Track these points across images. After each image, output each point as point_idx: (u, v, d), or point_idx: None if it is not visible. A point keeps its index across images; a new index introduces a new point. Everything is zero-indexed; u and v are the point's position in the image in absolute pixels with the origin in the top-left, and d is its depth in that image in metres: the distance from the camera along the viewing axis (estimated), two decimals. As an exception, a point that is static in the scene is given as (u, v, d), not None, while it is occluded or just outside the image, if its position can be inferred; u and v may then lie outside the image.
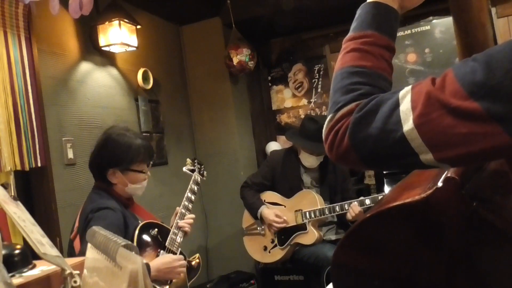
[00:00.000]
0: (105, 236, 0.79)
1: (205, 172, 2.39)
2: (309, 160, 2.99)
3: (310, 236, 2.90)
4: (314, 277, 2.91)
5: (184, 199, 2.11)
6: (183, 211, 2.07)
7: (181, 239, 2.00)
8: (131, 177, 1.91)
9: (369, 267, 0.78)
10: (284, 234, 2.97)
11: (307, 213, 2.90)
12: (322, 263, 2.78)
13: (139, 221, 1.90)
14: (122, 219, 1.82)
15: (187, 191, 2.15)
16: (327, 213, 2.85)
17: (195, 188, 2.20)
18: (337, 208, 2.81)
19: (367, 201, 2.73)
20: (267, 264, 3.17)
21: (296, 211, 2.95)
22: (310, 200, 2.92)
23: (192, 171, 2.30)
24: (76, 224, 1.88)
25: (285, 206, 3.01)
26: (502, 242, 0.74)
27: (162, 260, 1.82)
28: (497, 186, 0.80)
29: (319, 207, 2.88)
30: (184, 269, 1.89)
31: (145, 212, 2.05)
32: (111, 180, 1.90)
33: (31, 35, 2.29)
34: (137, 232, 1.82)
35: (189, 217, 2.08)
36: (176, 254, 1.94)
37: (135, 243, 1.78)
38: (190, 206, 2.11)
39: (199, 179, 2.28)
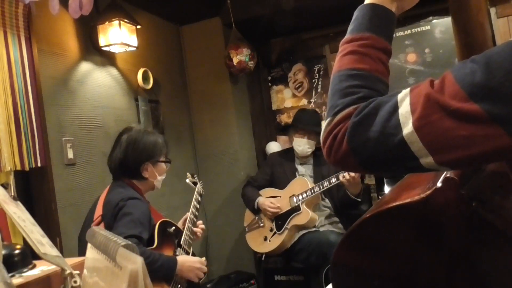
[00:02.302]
0: (105, 236, 0.79)
1: (202, 188, 2.51)
2: (300, 144, 3.17)
3: (304, 215, 3.02)
4: (314, 277, 2.91)
5: (192, 207, 2.23)
6: (192, 216, 2.18)
7: (192, 241, 2.11)
8: (160, 168, 2.08)
9: (369, 267, 0.78)
10: (281, 220, 3.09)
11: (299, 194, 3.05)
12: (322, 247, 2.85)
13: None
14: (149, 212, 1.91)
15: (193, 200, 2.28)
16: (316, 190, 2.99)
17: (199, 198, 2.34)
18: (325, 183, 2.95)
19: None
20: (267, 257, 3.21)
21: (290, 196, 3.11)
22: (302, 185, 3.09)
23: (195, 183, 2.45)
24: (100, 213, 1.91)
25: (281, 196, 3.16)
26: (502, 242, 0.74)
27: (188, 258, 1.93)
28: (496, 187, 0.80)
29: (309, 187, 3.03)
30: (202, 274, 1.97)
31: (156, 212, 2.10)
32: (144, 175, 2.02)
33: (31, 35, 2.29)
34: (157, 227, 1.90)
35: (201, 224, 2.22)
36: (189, 253, 2.04)
37: (156, 237, 1.87)
38: (196, 213, 2.24)
39: (202, 191, 2.41)
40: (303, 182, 3.10)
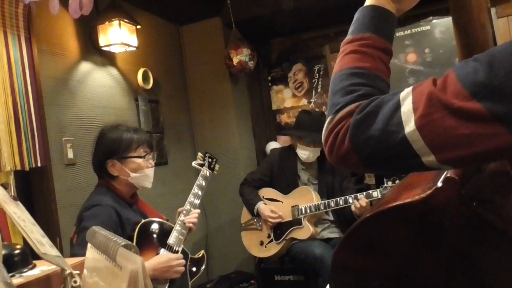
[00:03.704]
0: (105, 236, 0.79)
1: (216, 166, 2.35)
2: (305, 153, 3.01)
3: (305, 231, 2.93)
4: (314, 277, 2.91)
5: (191, 194, 2.10)
6: (189, 207, 2.05)
7: (184, 237, 1.97)
8: (131, 164, 1.91)
9: (368, 267, 0.78)
10: (280, 229, 3.01)
11: (303, 208, 2.94)
12: (309, 260, 2.81)
13: (141, 219, 1.89)
14: (116, 217, 1.80)
15: (194, 186, 2.13)
16: (322, 208, 2.88)
17: (203, 183, 2.17)
18: (332, 204, 2.84)
19: (375, 194, 2.71)
20: (265, 261, 3.19)
21: (292, 206, 2.99)
22: (307, 197, 2.96)
23: (201, 165, 2.27)
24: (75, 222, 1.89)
25: (282, 202, 3.05)
26: (502, 242, 0.74)
27: (158, 260, 1.82)
28: (496, 186, 0.80)
29: (314, 203, 2.91)
30: (182, 268, 1.87)
31: (151, 209, 2.05)
32: (112, 173, 1.91)
33: (31, 35, 2.29)
34: (137, 229, 1.82)
35: (194, 213, 2.05)
36: (178, 251, 1.93)
37: (134, 241, 1.79)
38: (196, 202, 2.09)
39: (208, 174, 2.24)
40: (308, 194, 2.96)
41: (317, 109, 3.96)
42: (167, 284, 1.84)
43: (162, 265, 1.80)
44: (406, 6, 0.83)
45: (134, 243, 1.76)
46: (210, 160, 2.32)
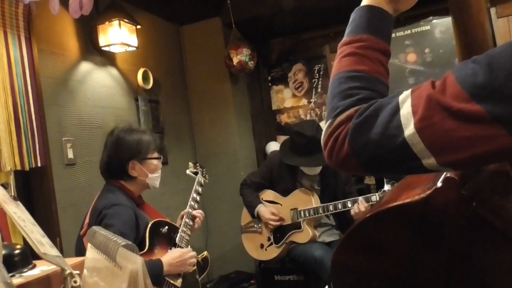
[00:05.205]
0: (105, 236, 0.79)
1: (207, 175, 2.47)
2: (308, 171, 2.95)
3: (304, 235, 2.92)
4: (314, 277, 2.91)
5: (190, 199, 2.21)
6: (190, 210, 2.17)
7: (189, 237, 2.09)
8: (149, 166, 2.01)
9: (368, 267, 0.78)
10: (279, 232, 3.00)
11: (302, 211, 2.92)
12: (309, 262, 2.81)
13: (149, 221, 1.95)
14: (134, 217, 1.86)
15: (192, 192, 2.26)
16: (321, 212, 2.87)
17: (200, 189, 2.30)
18: (331, 207, 2.82)
19: (373, 198, 2.70)
20: (265, 262, 3.19)
21: (291, 209, 2.98)
22: (306, 199, 2.94)
23: (195, 173, 2.40)
24: (87, 221, 1.90)
25: (281, 205, 3.04)
26: (502, 243, 0.74)
27: (172, 255, 1.90)
28: (496, 186, 0.80)
29: (313, 206, 2.89)
30: (195, 260, 1.97)
31: (155, 211, 2.10)
32: (132, 174, 1.97)
33: (31, 35, 2.29)
34: (148, 229, 1.88)
35: (199, 212, 2.21)
36: None
37: (147, 241, 1.86)
38: (196, 206, 2.21)
39: (202, 181, 2.37)
40: (307, 197, 2.93)
41: (323, 114, 3.92)
42: (181, 279, 1.92)
43: (177, 260, 1.89)
44: (403, 7, 0.82)
45: (147, 243, 1.83)
46: (201, 169, 2.45)
